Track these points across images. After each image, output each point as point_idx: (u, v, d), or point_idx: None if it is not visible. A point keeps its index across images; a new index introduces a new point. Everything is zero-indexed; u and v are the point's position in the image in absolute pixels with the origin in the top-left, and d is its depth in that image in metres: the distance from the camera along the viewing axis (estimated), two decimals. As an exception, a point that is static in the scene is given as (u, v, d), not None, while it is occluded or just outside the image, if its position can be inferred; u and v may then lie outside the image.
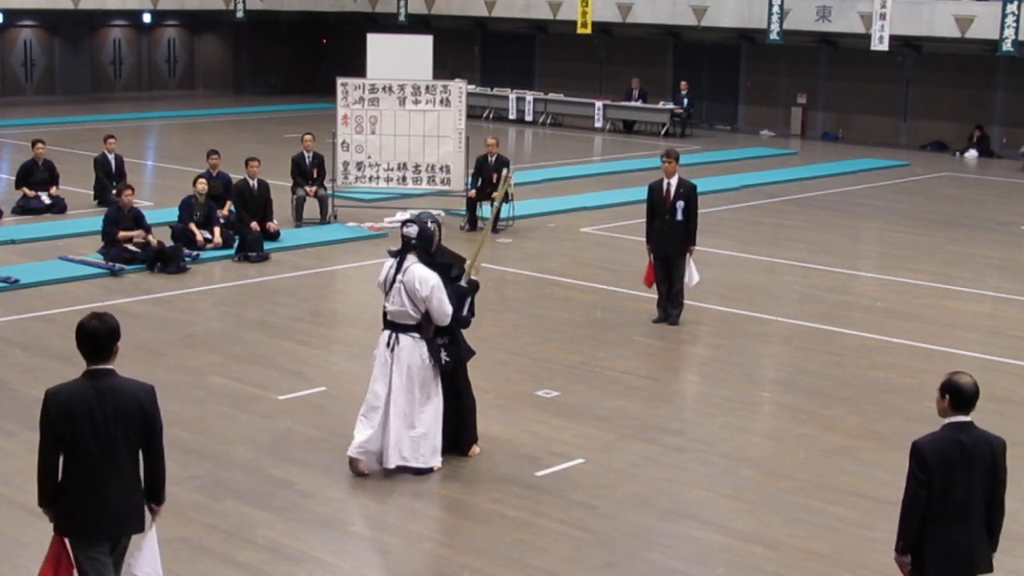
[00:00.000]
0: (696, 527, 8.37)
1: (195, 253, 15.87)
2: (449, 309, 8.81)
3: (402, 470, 8.97)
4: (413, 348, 8.85)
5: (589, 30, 33.20)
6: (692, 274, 13.23)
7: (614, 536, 8.16)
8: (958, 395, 5.89)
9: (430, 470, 9.03)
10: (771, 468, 9.46)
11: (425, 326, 8.88)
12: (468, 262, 9.36)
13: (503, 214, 18.57)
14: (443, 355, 9.07)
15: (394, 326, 8.90)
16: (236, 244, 16.29)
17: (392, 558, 7.86)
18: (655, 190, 13.38)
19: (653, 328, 13.31)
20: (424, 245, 8.87)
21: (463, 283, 9.20)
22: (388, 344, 8.89)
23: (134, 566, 6.13)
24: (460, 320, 9.15)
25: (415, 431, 8.94)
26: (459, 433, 9.39)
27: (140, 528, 6.08)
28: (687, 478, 9.23)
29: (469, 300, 9.23)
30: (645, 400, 11.01)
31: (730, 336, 13.18)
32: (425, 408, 8.95)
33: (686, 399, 11.48)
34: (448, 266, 9.15)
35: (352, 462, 9.03)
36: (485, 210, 18.49)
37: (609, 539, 8.11)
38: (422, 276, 8.72)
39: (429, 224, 9.01)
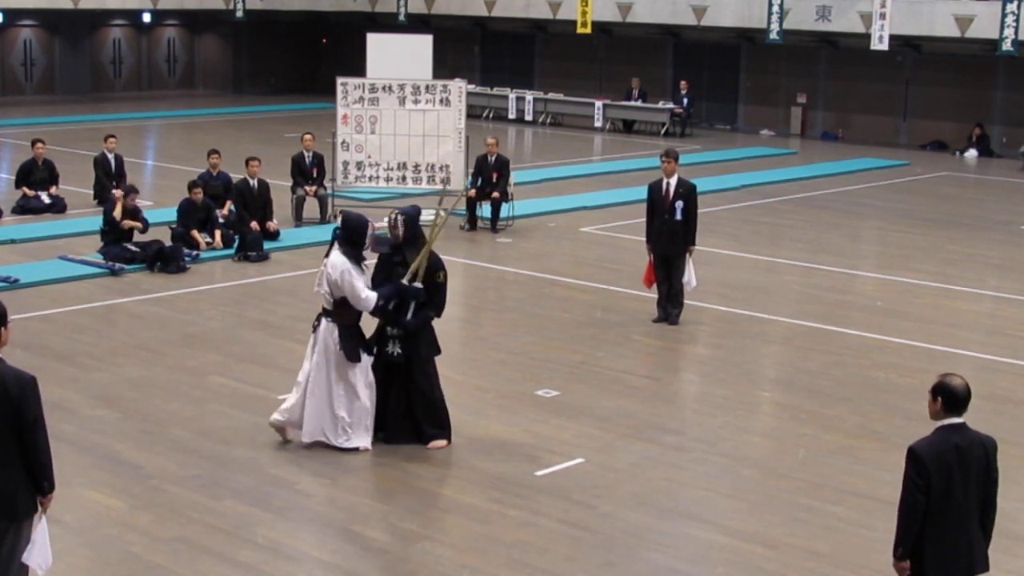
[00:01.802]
0: (696, 527, 8.37)
1: (195, 253, 15.88)
2: (364, 295, 9.15)
3: (322, 445, 9.40)
4: (328, 332, 9.30)
5: (589, 30, 33.19)
6: (691, 277, 13.24)
7: (614, 536, 8.16)
8: (951, 397, 5.86)
9: (355, 450, 9.38)
10: (771, 468, 9.47)
11: (338, 312, 9.24)
12: (413, 265, 9.42)
13: (503, 214, 18.65)
14: (395, 347, 9.42)
15: (324, 311, 9.39)
16: (236, 244, 16.30)
17: (392, 558, 7.86)
18: (655, 190, 13.39)
19: (653, 328, 13.31)
20: (347, 236, 9.31)
21: (404, 282, 9.37)
22: (314, 326, 9.44)
23: (26, 556, 6.12)
24: (399, 321, 9.38)
25: (336, 413, 9.33)
26: (420, 426, 9.55)
27: (21, 517, 6.06)
28: (687, 478, 9.24)
29: (414, 304, 9.40)
30: (645, 400, 11.01)
31: (730, 336, 13.19)
32: (343, 391, 9.31)
33: (686, 399, 11.47)
34: (401, 264, 9.47)
35: (277, 428, 9.58)
36: (485, 210, 18.53)
37: (609, 539, 8.11)
38: (333, 261, 9.24)
39: (397, 215, 9.57)
